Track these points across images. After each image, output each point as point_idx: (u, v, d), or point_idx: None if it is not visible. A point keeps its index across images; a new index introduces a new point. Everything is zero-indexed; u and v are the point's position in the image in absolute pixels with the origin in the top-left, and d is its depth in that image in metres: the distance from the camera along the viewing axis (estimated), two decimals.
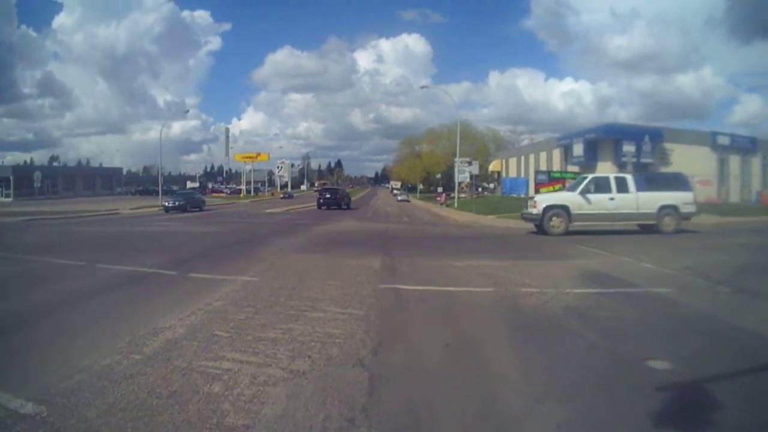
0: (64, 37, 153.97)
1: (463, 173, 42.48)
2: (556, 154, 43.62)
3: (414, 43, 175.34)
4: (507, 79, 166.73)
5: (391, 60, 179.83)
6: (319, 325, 5.15)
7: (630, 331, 5.02)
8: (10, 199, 57.35)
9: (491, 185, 69.84)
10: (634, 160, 24.90)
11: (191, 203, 35.34)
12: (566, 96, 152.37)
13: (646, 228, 16.20)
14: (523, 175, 52.19)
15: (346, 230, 19.22)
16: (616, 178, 16.53)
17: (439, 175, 69.96)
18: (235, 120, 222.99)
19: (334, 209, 36.44)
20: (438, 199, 55.40)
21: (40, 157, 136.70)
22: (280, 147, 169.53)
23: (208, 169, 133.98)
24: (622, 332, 4.97)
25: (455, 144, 48.25)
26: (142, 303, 6.17)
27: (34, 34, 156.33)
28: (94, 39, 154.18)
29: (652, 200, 15.93)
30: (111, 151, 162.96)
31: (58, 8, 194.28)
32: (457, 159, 43.01)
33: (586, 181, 16.55)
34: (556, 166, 42.44)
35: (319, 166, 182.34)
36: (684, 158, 31.05)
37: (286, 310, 5.77)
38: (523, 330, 5.11)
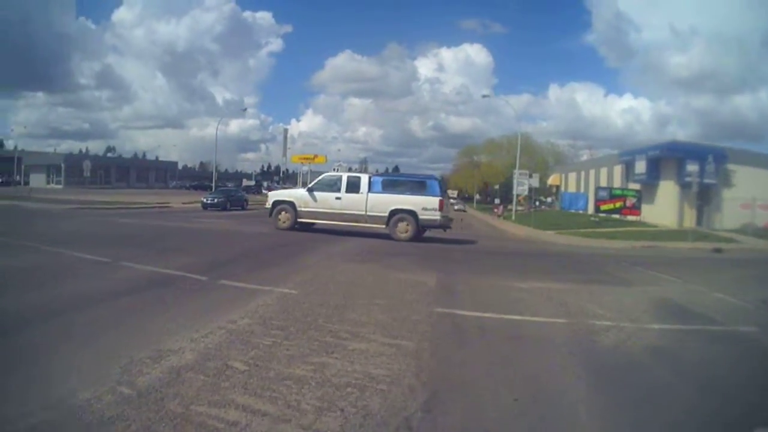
0: (123, 32, 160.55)
1: (522, 185, 42.53)
2: (617, 170, 42.82)
3: (475, 53, 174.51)
4: (566, 93, 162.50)
5: (451, 69, 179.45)
6: (360, 360, 4.25)
7: (727, 385, 4.38)
8: (60, 186, 59.83)
9: (549, 199, 68.54)
10: (698, 180, 23.49)
11: (232, 201, 34.58)
12: (625, 113, 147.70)
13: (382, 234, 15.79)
14: (582, 190, 51.77)
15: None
16: (348, 177, 16.75)
17: (497, 186, 68.99)
18: (294, 121, 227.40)
19: None
20: (495, 210, 55.93)
21: (95, 147, 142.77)
22: (338, 150, 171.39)
23: (265, 168, 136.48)
24: (718, 385, 4.35)
25: (514, 156, 48.71)
26: (155, 314, 5.46)
27: (93, 26, 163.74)
28: (154, 35, 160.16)
29: (384, 203, 15.66)
30: (168, 145, 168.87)
31: (118, 2, 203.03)
32: (516, 171, 43.22)
33: (317, 179, 17.38)
34: (617, 182, 41.89)
35: (377, 171, 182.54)
36: (748, 181, 30.76)
37: (322, 335, 4.90)
38: (607, 380, 4.27)
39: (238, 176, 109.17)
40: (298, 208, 16.57)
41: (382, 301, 6.63)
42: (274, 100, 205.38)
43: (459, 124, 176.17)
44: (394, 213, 15.56)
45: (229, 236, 15.69)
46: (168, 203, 34.52)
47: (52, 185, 63.01)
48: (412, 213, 15.43)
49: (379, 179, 16.74)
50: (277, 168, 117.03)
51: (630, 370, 4.61)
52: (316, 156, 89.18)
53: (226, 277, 7.65)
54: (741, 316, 7.25)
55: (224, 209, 32.35)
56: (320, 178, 17.57)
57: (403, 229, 15.44)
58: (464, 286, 8.35)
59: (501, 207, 55.47)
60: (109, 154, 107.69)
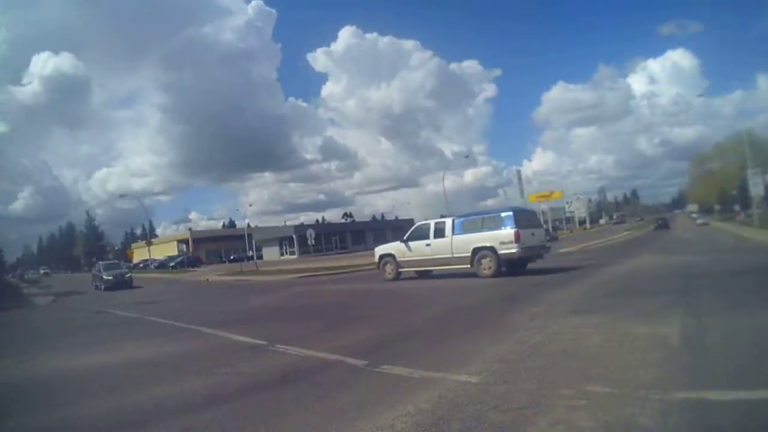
0: (336, 104, 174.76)
1: (756, 186, 40.70)
2: None
3: (680, 58, 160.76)
4: None
5: (662, 79, 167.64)
6: None
7: None
8: (294, 257, 64.93)
9: None
10: None
11: None
12: None
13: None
14: None
15: (641, 268, 15.91)
16: (435, 224, 17.29)
17: (734, 192, 66.52)
18: (525, 161, 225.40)
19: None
20: (738, 217, 54.78)
21: (334, 215, 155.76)
22: (573, 183, 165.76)
23: None
24: None
25: (743, 156, 46.16)
26: (278, 417, 4.23)
27: (304, 104, 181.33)
28: (367, 102, 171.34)
29: (466, 242, 15.95)
30: (405, 204, 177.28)
31: (323, 79, 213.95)
32: (749, 171, 41.23)
33: (411, 230, 18.14)
34: None
35: (615, 198, 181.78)
36: None
37: None
38: None
39: None
40: (398, 259, 17.83)
41: (601, 387, 4.16)
42: (501, 144, 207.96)
43: (684, 134, 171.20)
44: (476, 251, 15.74)
45: (423, 296, 13.92)
46: None
47: (286, 256, 69.03)
48: (491, 249, 15.46)
49: (460, 221, 16.81)
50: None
51: None
52: (552, 192, 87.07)
53: (391, 359, 5.92)
54: None
55: None
56: (413, 228, 18.33)
57: (486, 265, 15.51)
58: (722, 338, 5.66)
59: (742, 213, 54.03)
60: (343, 220, 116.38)
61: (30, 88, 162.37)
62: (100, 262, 36.25)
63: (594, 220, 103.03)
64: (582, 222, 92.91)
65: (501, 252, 15.19)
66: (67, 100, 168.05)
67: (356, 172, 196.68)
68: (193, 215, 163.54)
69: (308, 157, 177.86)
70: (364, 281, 19.83)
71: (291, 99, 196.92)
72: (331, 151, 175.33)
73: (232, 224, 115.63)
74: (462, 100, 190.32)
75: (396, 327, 8.52)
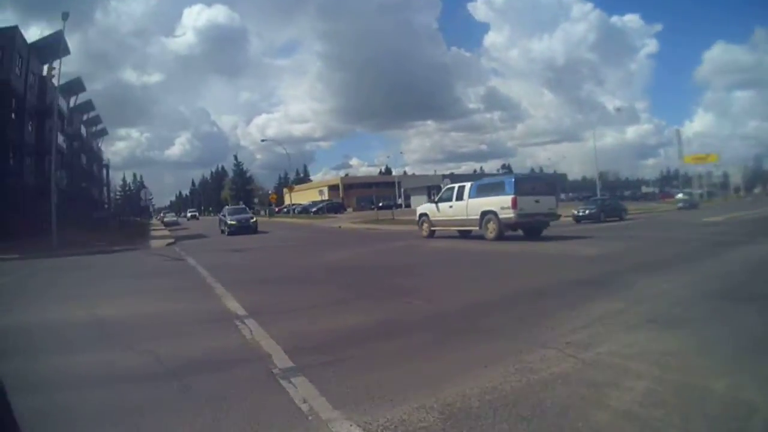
0: (498, 54, 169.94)
1: None
2: None
3: None
4: None
5: None
6: None
7: None
8: None
9: None
10: None
11: (606, 211, 30.37)
12: None
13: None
14: None
15: None
16: (458, 187, 18.34)
17: None
18: (687, 122, 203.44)
19: None
20: None
21: (494, 166, 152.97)
22: (732, 148, 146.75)
23: (664, 173, 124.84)
24: None
25: None
26: None
27: (467, 54, 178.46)
28: (529, 53, 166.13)
29: (477, 206, 16.82)
30: (566, 158, 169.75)
31: (485, 28, 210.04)
32: None
33: (441, 192, 19.90)
34: None
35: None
36: None
37: None
38: None
39: (637, 184, 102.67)
40: (431, 218, 19.04)
41: None
42: (663, 103, 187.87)
43: None
44: (483, 214, 16.50)
45: (511, 259, 12.17)
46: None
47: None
48: (494, 213, 16.14)
49: (476, 185, 17.72)
50: (676, 172, 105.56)
51: None
52: (708, 155, 77.67)
53: (338, 366, 4.21)
54: None
55: (598, 221, 28.69)
56: (443, 190, 19.70)
57: (492, 228, 16.26)
58: None
59: None
60: (498, 171, 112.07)
61: (184, 39, 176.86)
62: (226, 207, 37.06)
63: (749, 189, 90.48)
64: (737, 189, 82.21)
65: (501, 216, 15.89)
66: (223, 49, 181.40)
67: (519, 124, 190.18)
68: (353, 161, 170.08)
69: (471, 106, 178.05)
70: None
71: (453, 48, 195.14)
72: (493, 101, 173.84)
73: (388, 171, 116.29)
74: (624, 54, 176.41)
75: (412, 313, 6.63)
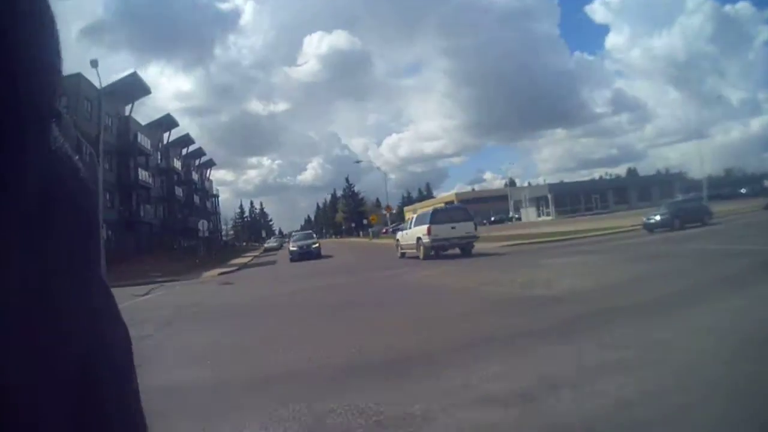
0: (620, 55, 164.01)
1: None
2: None
3: None
4: None
5: None
6: None
7: None
8: (550, 218, 59.05)
9: None
10: None
11: (682, 216, 24.39)
12: None
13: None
14: None
15: None
16: (415, 217, 22.23)
17: None
18: None
19: None
20: None
21: (622, 171, 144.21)
22: None
23: None
24: None
25: None
26: None
27: (590, 58, 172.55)
28: (650, 51, 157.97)
29: (414, 233, 20.57)
30: (696, 156, 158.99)
31: (604, 30, 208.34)
32: None
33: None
34: None
35: None
36: None
37: None
38: None
39: (760, 178, 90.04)
40: (400, 242, 23.17)
41: None
42: None
43: None
44: (417, 240, 20.09)
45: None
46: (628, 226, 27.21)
47: (543, 217, 63.45)
48: (420, 239, 19.75)
49: (416, 217, 21.81)
50: None
51: None
52: None
53: None
54: None
55: (671, 228, 23.24)
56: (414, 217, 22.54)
57: (420, 251, 19.71)
58: None
59: None
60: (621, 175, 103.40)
61: (307, 66, 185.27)
62: (294, 233, 37.13)
63: None
64: None
65: (423, 242, 19.31)
66: (348, 74, 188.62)
67: (647, 124, 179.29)
68: (487, 175, 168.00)
69: (598, 110, 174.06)
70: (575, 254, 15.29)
71: (576, 53, 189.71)
72: (620, 103, 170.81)
73: (512, 183, 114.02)
74: (740, 44, 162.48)
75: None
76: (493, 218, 68.78)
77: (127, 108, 41.48)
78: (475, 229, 19.96)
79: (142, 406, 0.52)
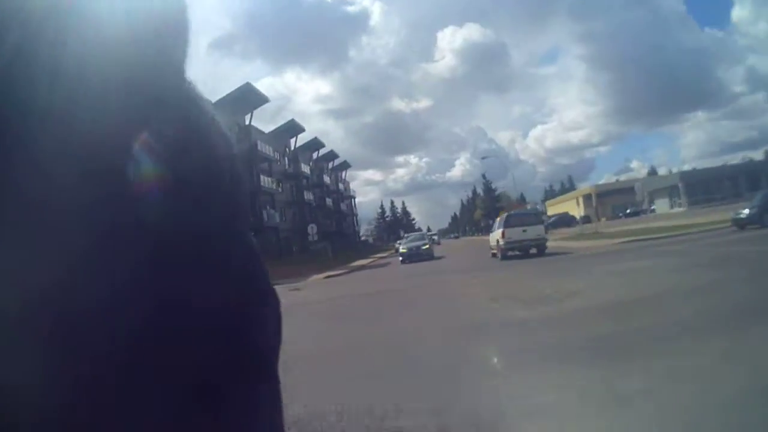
0: (749, 29, 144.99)
1: None
2: None
3: None
4: None
5: None
6: None
7: None
8: (682, 209, 50.51)
9: None
10: None
11: None
12: None
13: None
14: None
15: None
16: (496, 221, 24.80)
17: None
18: None
19: None
20: None
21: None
22: None
23: None
24: None
25: None
26: None
27: (719, 33, 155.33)
28: None
29: (494, 236, 23.01)
30: None
31: (729, 3, 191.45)
32: None
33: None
34: None
35: None
36: None
37: None
38: None
39: None
40: (490, 243, 25.10)
41: None
42: None
43: None
44: (496, 242, 22.29)
45: None
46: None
47: (675, 209, 54.93)
48: (497, 241, 21.83)
49: (497, 221, 24.29)
50: None
51: None
52: None
53: None
54: None
55: (761, 224, 18.93)
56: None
57: (498, 251, 21.86)
58: None
59: None
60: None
61: (444, 62, 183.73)
62: (406, 234, 36.21)
63: None
64: None
65: (500, 243, 21.25)
66: (486, 66, 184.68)
67: None
68: (634, 164, 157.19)
69: (737, 90, 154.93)
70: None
71: (706, 29, 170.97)
72: (756, 80, 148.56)
73: (653, 172, 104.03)
74: None
75: None
76: (628, 210, 63.09)
77: (247, 117, 42.89)
78: (546, 231, 22.87)
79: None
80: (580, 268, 13.62)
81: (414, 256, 28.24)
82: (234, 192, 0.40)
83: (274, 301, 0.45)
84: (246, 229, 0.42)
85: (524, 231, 20.96)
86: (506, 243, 20.74)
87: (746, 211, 20.68)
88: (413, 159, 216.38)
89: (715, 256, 11.97)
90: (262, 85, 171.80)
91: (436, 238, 66.66)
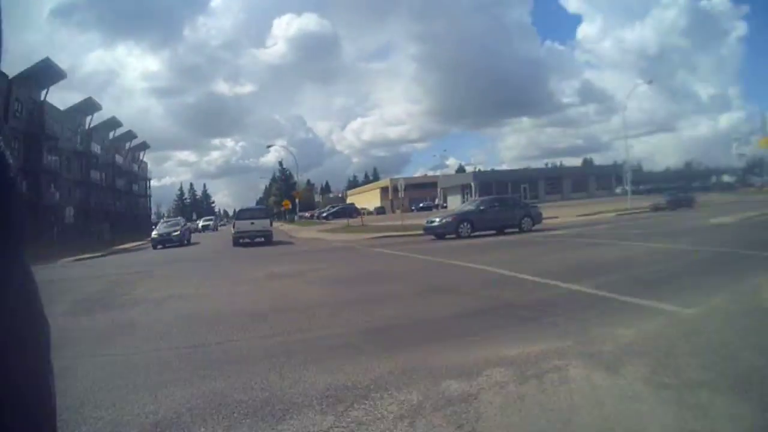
0: (591, 46, 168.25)
1: None
2: None
3: None
4: None
5: None
6: None
7: None
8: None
9: None
10: None
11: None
12: None
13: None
14: None
15: None
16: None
17: None
18: None
19: None
20: None
21: (596, 160, 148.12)
22: None
23: (749, 161, 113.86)
24: None
25: None
26: None
27: (560, 47, 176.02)
28: (621, 43, 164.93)
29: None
30: (662, 149, 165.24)
31: (577, 20, 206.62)
32: None
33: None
34: None
35: None
36: None
37: None
38: None
39: (717, 172, 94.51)
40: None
41: None
42: (756, 87, 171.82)
43: None
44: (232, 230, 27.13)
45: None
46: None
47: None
48: (232, 229, 26.57)
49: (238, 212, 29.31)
50: (761, 160, 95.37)
51: None
52: None
53: None
54: None
55: (458, 235, 20.32)
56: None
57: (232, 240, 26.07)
58: None
59: None
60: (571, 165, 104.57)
61: (275, 49, 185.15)
62: (161, 219, 38.42)
63: None
64: None
65: (231, 232, 26.04)
66: (316, 57, 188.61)
67: (614, 116, 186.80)
68: (450, 161, 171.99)
69: (565, 101, 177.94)
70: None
71: (547, 42, 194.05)
72: (588, 94, 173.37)
73: (461, 170, 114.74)
74: (713, 39, 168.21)
75: None
76: (421, 204, 69.10)
77: (42, 93, 42.31)
78: (271, 225, 27.11)
79: (55, 402, 0.54)
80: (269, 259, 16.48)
81: (165, 241, 29.69)
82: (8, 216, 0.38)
83: None
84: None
85: (252, 223, 25.44)
86: (236, 232, 25.23)
87: (437, 220, 21.27)
88: (229, 142, 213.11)
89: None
90: (92, 59, 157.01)
91: (211, 224, 65.74)
